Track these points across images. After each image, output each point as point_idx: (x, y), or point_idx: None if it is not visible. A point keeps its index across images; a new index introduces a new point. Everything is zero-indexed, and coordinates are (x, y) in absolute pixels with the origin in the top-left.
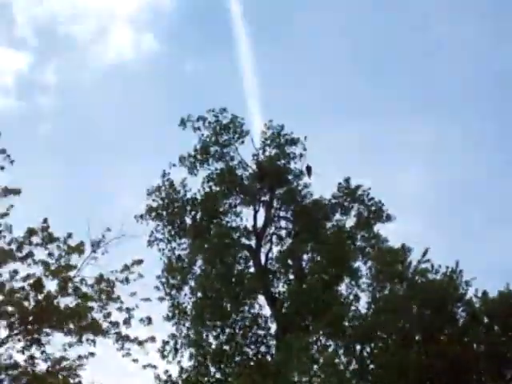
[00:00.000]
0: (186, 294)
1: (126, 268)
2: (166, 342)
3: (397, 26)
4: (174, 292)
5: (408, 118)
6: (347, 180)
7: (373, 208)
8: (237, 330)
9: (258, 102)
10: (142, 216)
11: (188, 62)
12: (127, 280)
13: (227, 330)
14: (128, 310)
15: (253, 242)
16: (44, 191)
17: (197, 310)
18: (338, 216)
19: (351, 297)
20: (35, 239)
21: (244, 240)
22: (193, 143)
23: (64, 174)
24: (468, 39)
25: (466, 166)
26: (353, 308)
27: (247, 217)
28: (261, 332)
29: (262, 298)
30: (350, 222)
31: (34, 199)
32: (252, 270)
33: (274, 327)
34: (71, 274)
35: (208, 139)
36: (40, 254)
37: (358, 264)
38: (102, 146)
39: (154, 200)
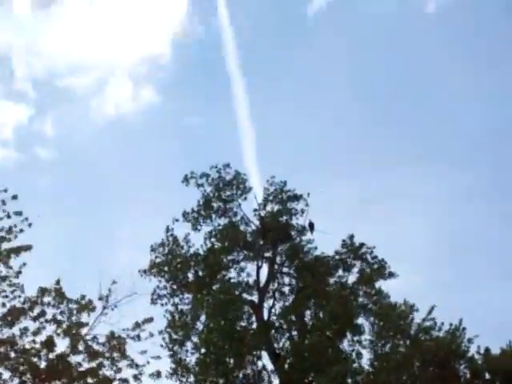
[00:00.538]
0: (187, 350)
1: (137, 326)
2: None
3: (398, 76)
4: (176, 347)
5: (408, 169)
6: (351, 237)
7: (375, 266)
8: None
9: (256, 154)
10: (145, 271)
11: (186, 114)
12: (139, 337)
13: None
14: (138, 366)
15: (255, 298)
16: (45, 243)
17: (200, 366)
18: (340, 272)
19: (354, 353)
20: (47, 299)
21: (247, 296)
22: (194, 196)
23: (64, 225)
24: (468, 90)
25: (466, 216)
26: (355, 365)
27: (250, 272)
28: None
29: (264, 354)
30: (352, 277)
31: (37, 251)
32: (255, 325)
33: (276, 382)
34: (83, 331)
35: (211, 195)
36: (51, 312)
37: (360, 320)
38: (102, 198)
39: (157, 256)
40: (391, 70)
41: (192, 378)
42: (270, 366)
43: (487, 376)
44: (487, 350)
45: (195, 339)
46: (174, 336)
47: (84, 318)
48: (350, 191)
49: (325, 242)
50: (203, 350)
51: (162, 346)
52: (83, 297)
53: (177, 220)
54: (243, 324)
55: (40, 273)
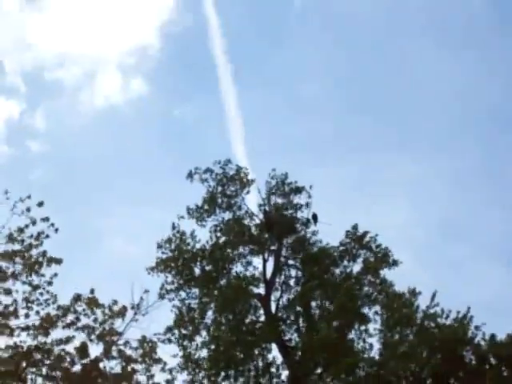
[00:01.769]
0: (197, 345)
1: (169, 330)
2: None
3: (382, 63)
4: (186, 342)
5: (395, 154)
6: (354, 227)
7: (379, 254)
8: (250, 379)
9: (244, 144)
10: (152, 268)
11: (175, 104)
12: (170, 341)
13: (241, 379)
14: (171, 370)
15: (262, 291)
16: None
17: (211, 361)
18: (345, 262)
19: (361, 343)
20: (80, 307)
21: (254, 289)
22: (187, 187)
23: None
24: (454, 74)
25: (453, 201)
26: (365, 356)
27: (257, 266)
28: (273, 379)
29: (274, 346)
30: (357, 267)
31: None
32: (263, 318)
33: (285, 374)
34: (115, 337)
35: (215, 190)
36: (85, 319)
37: (366, 310)
38: (93, 191)
39: (163, 253)
40: (372, 57)
41: (202, 373)
42: (280, 359)
43: (493, 362)
44: (493, 336)
45: (204, 333)
46: (184, 331)
47: (116, 323)
48: (339, 177)
49: (330, 233)
50: (212, 346)
51: (170, 341)
52: (115, 302)
53: (182, 217)
54: (251, 317)
55: None
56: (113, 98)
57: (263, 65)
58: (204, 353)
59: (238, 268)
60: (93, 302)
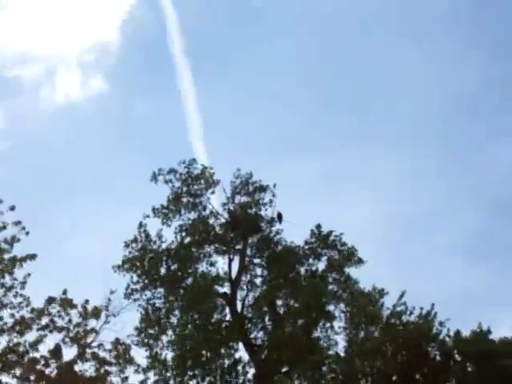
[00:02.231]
0: (163, 345)
1: (140, 332)
2: None
3: (344, 58)
4: (152, 341)
5: (361, 149)
6: (318, 226)
7: (345, 252)
8: (217, 377)
9: (204, 140)
10: (118, 267)
11: (134, 101)
12: (143, 343)
13: (207, 378)
14: (144, 370)
15: (228, 290)
16: None
17: (177, 361)
18: (310, 261)
19: (327, 340)
20: (54, 309)
21: (219, 288)
22: (148, 184)
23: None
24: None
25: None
26: (331, 352)
27: (222, 265)
28: (240, 378)
29: (240, 345)
30: (321, 265)
31: None
32: (229, 317)
33: (252, 372)
34: (89, 339)
35: (180, 190)
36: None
37: (330, 307)
38: (55, 189)
39: (130, 252)
40: (337, 52)
41: (169, 373)
42: (246, 358)
43: (458, 358)
44: (458, 332)
45: (170, 333)
46: (150, 331)
47: (90, 324)
48: (298, 173)
49: (296, 230)
50: (179, 345)
51: (138, 342)
52: (87, 301)
53: (147, 216)
54: (217, 316)
55: None
56: (73, 95)
57: (224, 61)
58: (171, 352)
59: (203, 267)
60: (66, 303)
